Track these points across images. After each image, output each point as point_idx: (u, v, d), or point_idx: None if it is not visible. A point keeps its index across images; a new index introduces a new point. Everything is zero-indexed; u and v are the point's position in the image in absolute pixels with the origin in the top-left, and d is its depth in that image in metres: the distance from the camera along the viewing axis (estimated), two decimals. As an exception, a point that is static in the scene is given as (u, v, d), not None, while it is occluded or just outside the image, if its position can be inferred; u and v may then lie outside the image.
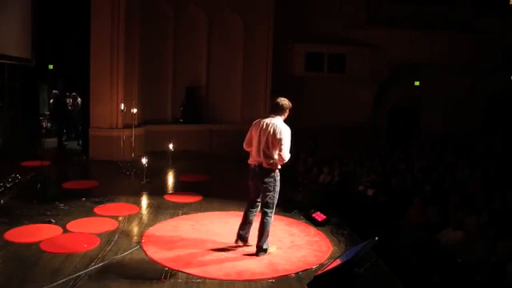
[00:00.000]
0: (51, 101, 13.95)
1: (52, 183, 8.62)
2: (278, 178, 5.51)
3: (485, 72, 15.50)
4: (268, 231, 5.59)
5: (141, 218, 6.97)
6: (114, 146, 11.06)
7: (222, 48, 13.44)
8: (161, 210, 7.38)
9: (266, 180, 5.46)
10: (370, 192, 8.24)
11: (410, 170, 9.53)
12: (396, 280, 4.88)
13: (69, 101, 13.56)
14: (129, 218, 6.90)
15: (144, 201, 8.02)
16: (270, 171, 5.45)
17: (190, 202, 7.93)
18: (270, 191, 5.49)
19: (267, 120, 5.47)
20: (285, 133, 5.35)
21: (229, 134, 11.81)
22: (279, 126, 5.38)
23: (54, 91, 13.90)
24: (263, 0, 13.26)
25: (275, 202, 5.57)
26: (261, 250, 5.60)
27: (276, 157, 5.35)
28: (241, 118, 13.09)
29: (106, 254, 5.48)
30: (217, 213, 7.38)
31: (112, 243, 5.82)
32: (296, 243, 6.13)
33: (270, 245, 5.74)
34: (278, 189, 5.54)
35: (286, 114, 5.55)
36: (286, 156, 5.35)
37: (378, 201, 7.86)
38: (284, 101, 5.53)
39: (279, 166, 5.48)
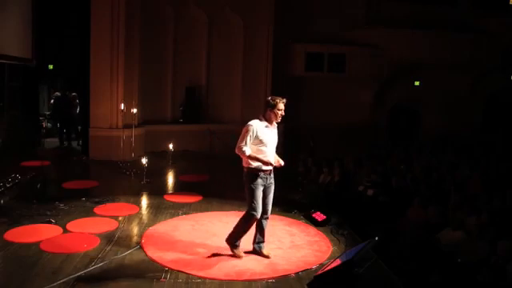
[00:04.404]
0: (52, 101, 13.94)
1: (52, 183, 8.64)
2: (252, 178, 5.31)
3: (485, 72, 15.49)
4: (241, 231, 5.48)
5: (141, 218, 6.98)
6: (114, 146, 11.07)
7: (222, 48, 13.44)
8: (161, 210, 7.39)
9: (244, 179, 5.45)
10: (369, 192, 8.22)
11: (410, 170, 9.52)
12: (396, 280, 4.87)
13: (70, 100, 13.56)
14: (129, 218, 6.91)
15: (144, 201, 8.03)
16: (244, 170, 5.43)
17: (190, 202, 7.95)
18: (246, 191, 5.42)
19: None
20: (244, 127, 5.34)
21: (229, 134, 11.80)
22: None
23: (56, 93, 13.89)
24: (263, 0, 13.27)
25: (252, 203, 5.32)
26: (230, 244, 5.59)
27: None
28: (241, 118, 13.02)
29: (105, 254, 5.49)
30: (217, 213, 7.39)
31: (112, 243, 5.84)
32: (296, 243, 6.14)
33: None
34: (250, 191, 5.33)
35: (269, 111, 5.34)
36: (237, 146, 5.28)
37: (378, 201, 7.85)
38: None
39: (252, 165, 5.30)
